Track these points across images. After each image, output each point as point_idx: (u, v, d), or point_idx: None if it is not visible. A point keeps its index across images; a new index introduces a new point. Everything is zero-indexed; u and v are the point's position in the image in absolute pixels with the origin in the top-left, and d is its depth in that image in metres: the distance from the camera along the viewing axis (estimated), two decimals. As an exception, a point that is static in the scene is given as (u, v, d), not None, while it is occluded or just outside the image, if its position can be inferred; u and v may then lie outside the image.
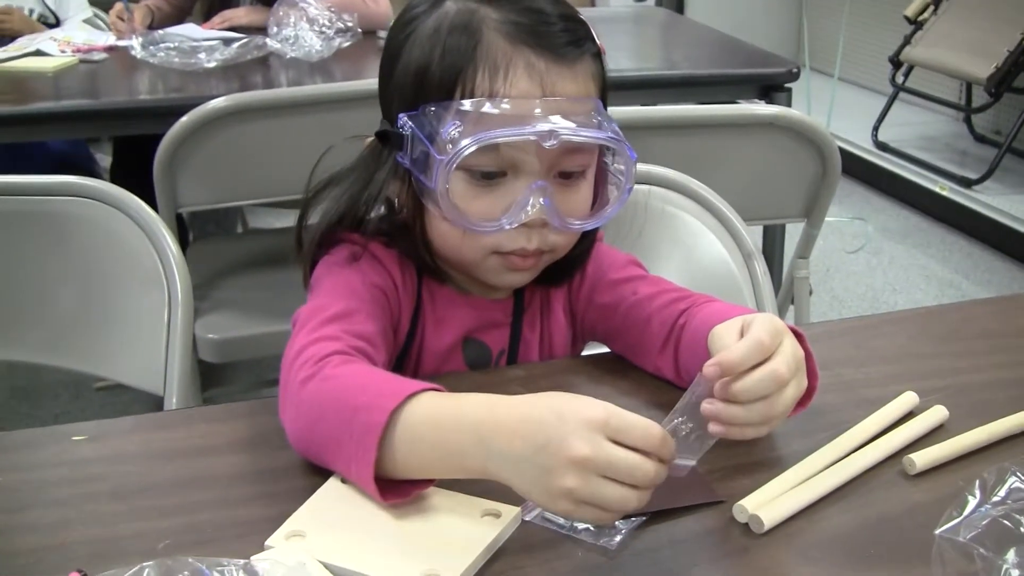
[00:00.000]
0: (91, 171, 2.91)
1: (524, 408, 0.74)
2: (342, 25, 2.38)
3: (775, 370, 0.79)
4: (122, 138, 2.77)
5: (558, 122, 0.91)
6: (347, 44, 2.41)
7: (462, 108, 0.91)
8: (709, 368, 0.77)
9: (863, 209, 4.12)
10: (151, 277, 1.29)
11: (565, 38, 0.94)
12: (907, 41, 4.30)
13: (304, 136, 1.93)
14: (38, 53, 2.53)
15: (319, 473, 0.83)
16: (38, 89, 2.31)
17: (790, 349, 0.81)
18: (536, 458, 0.71)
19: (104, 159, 3.19)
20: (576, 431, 0.70)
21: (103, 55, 2.51)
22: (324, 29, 2.36)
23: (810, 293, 2.07)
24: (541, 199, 0.94)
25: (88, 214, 1.33)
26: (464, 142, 0.89)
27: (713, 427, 0.78)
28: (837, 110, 4.55)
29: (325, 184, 1.01)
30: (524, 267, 0.99)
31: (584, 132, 0.93)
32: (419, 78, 0.94)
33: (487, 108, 0.91)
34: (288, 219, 3.15)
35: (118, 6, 2.75)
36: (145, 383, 1.31)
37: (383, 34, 2.52)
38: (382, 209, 1.02)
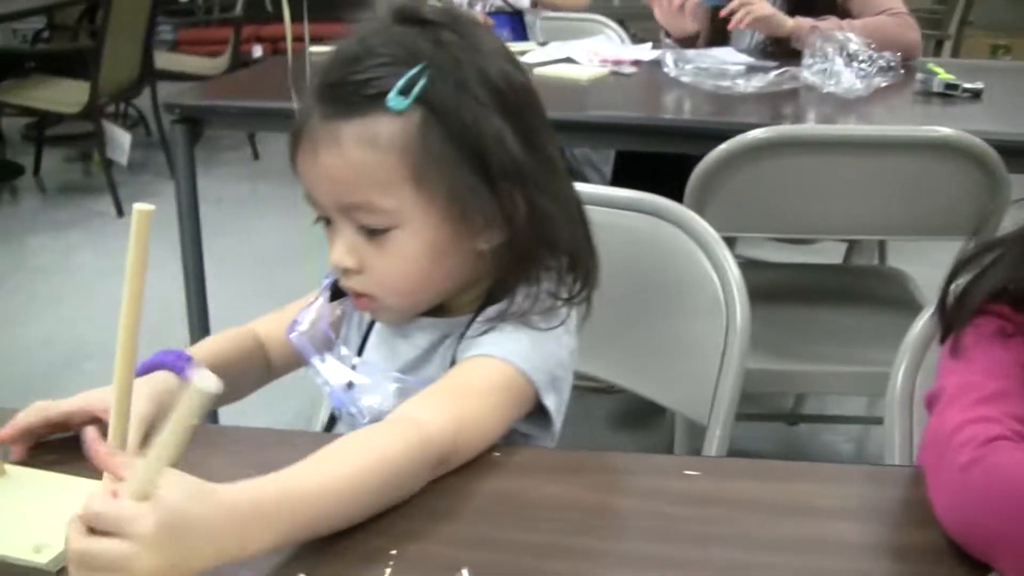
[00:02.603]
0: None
1: None
2: (884, 63, 2.27)
3: None
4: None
5: None
6: (885, 84, 2.30)
7: None
8: None
9: None
10: (711, 301, 1.28)
11: None
12: None
13: (834, 177, 1.87)
14: (568, 61, 2.65)
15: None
16: (572, 97, 2.37)
17: None
18: None
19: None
20: None
21: (632, 69, 2.58)
22: (863, 66, 2.26)
23: None
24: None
25: (650, 229, 1.35)
26: None
27: None
28: None
29: (981, 249, 0.94)
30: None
31: None
32: None
33: None
34: (784, 254, 3.09)
35: None
36: (690, 410, 1.30)
37: (922, 76, 2.36)
38: None
